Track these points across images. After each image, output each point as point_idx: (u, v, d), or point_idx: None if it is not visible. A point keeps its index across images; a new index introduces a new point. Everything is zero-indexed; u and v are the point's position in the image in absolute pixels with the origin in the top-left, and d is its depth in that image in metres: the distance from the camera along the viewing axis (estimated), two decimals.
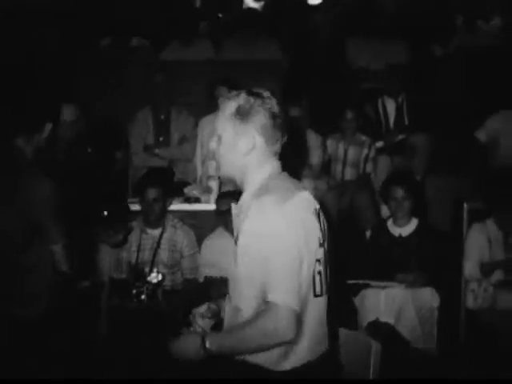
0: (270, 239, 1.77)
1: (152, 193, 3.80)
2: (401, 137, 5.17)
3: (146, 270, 3.64)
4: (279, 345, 1.79)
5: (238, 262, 1.86)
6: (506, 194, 3.81)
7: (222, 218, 3.71)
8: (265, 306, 1.77)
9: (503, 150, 4.69)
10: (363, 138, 5.08)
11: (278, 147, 1.96)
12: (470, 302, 3.87)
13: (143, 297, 3.39)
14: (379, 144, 5.19)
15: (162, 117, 5.07)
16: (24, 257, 2.60)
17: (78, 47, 5.80)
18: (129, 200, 4.17)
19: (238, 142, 1.92)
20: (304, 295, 1.82)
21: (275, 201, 1.81)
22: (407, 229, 3.87)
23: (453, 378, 3.28)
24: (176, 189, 4.38)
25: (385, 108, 5.34)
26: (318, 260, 1.89)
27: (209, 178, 4.32)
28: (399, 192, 3.82)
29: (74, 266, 2.69)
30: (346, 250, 3.70)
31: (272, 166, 1.96)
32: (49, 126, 2.72)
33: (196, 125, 5.08)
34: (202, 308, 1.94)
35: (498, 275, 3.80)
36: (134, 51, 6.11)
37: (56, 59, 5.48)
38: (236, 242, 1.89)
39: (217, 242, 3.80)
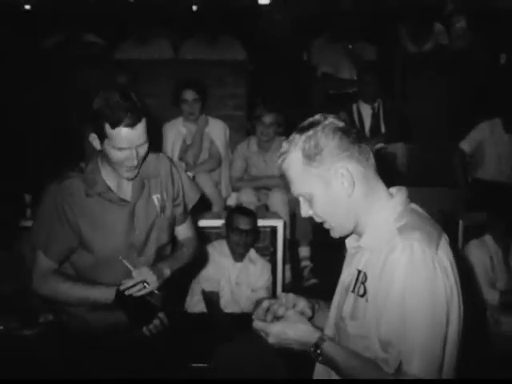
0: (417, 295, 1.39)
1: None
2: (379, 145, 4.81)
3: None
4: None
5: (355, 314, 1.50)
6: (501, 207, 3.58)
7: None
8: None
9: (488, 159, 4.56)
10: None
11: (373, 163, 1.57)
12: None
13: None
14: None
15: None
16: None
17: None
18: None
19: (334, 188, 1.52)
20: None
21: (427, 243, 1.43)
22: None
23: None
24: None
25: (360, 114, 5.04)
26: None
27: None
28: None
29: None
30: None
31: (401, 193, 1.60)
32: None
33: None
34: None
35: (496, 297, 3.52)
36: (88, 48, 5.59)
37: None
38: (353, 289, 1.54)
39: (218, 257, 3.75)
